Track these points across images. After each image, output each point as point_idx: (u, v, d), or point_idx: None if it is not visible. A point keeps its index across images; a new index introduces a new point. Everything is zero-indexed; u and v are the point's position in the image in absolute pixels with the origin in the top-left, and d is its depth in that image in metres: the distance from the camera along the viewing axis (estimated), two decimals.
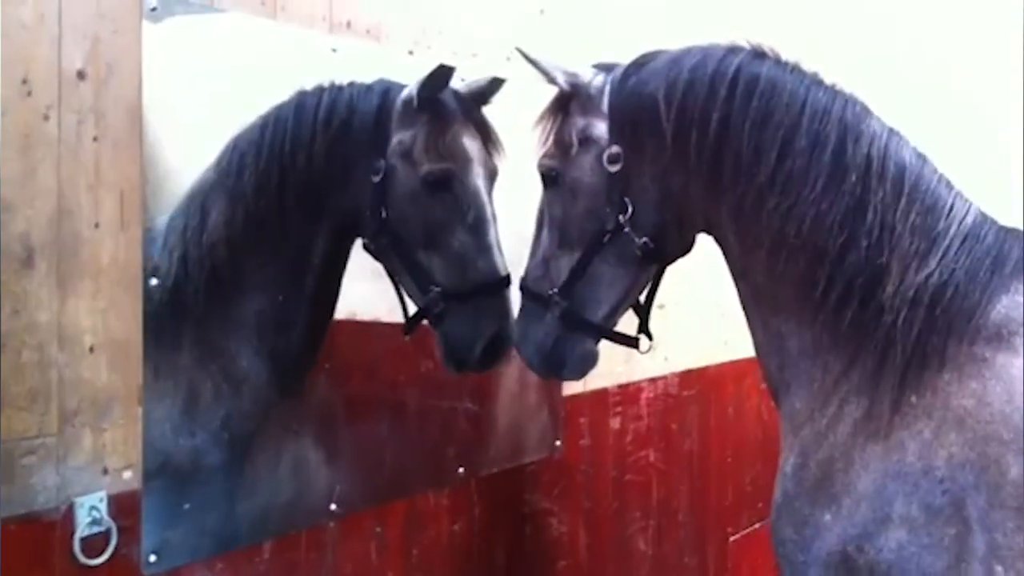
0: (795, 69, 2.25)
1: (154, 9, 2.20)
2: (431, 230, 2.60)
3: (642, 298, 2.62)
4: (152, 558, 2.21)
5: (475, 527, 3.13)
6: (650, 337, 2.67)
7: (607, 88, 2.40)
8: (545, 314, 2.49)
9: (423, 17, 2.91)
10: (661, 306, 3.78)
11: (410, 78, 2.56)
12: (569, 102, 2.45)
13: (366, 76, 2.59)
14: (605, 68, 2.45)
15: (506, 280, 2.64)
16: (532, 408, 3.34)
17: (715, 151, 2.20)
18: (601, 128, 2.39)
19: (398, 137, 2.57)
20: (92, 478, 2.10)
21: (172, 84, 2.26)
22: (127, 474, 2.16)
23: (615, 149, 2.36)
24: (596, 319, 2.48)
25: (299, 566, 2.58)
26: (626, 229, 2.36)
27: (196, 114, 2.34)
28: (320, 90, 2.57)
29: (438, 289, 2.59)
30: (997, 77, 5.59)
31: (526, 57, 2.44)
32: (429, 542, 2.97)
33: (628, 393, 3.77)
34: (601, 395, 3.64)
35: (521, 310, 2.59)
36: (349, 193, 2.59)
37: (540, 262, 2.53)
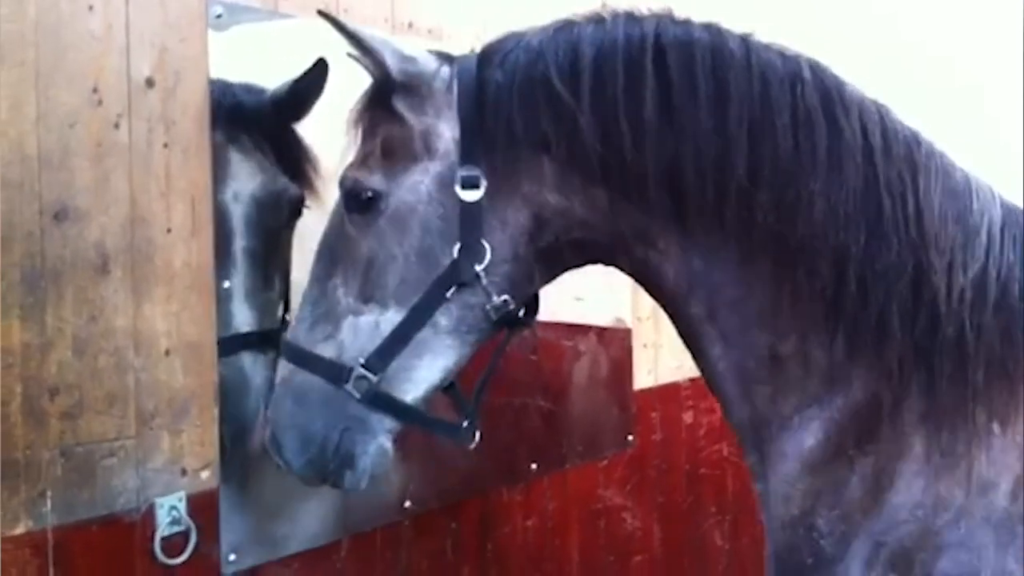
0: (719, 28, 1.79)
1: (219, 16, 2.23)
2: None
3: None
4: (231, 557, 2.24)
5: (549, 523, 3.13)
6: (475, 430, 2.06)
7: (456, 84, 1.85)
8: (333, 393, 1.87)
9: (485, 16, 2.90)
10: None
11: None
12: (391, 96, 1.87)
13: None
14: (444, 58, 1.91)
15: (238, 340, 2.20)
16: (604, 404, 3.33)
17: (661, 143, 1.72)
18: (447, 137, 1.83)
19: None
20: (171, 479, 2.13)
21: None
22: (204, 474, 2.19)
23: (472, 170, 1.79)
24: (408, 401, 1.90)
25: (375, 563, 2.60)
26: (483, 282, 1.81)
27: None
28: None
29: None
30: (1000, 72, 5.51)
31: (334, 23, 1.84)
32: (503, 538, 2.97)
33: (700, 387, 3.68)
34: (673, 389, 3.61)
35: (284, 383, 1.94)
36: None
37: (323, 316, 1.90)
